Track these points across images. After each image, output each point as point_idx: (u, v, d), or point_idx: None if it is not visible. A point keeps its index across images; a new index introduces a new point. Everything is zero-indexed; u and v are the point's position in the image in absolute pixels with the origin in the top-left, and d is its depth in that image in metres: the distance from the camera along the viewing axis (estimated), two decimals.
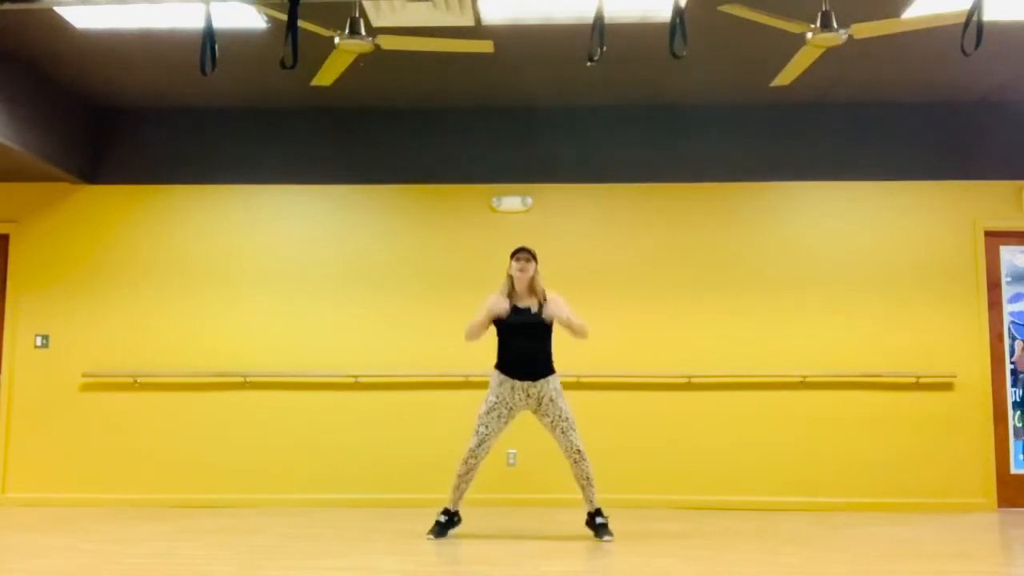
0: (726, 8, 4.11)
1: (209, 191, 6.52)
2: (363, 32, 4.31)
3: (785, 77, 4.74)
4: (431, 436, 6.11)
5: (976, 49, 3.30)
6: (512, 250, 4.85)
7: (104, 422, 6.30)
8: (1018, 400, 6.24)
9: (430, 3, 4.56)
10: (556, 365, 4.80)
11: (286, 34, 3.16)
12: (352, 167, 6.51)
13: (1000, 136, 6.33)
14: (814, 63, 4.55)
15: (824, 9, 4.18)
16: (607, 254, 6.33)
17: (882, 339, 6.20)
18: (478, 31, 4.95)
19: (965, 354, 6.18)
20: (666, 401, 6.23)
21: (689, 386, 6.23)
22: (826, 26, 4.16)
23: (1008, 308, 6.31)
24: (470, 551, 4.47)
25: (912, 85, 6.06)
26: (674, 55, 3.22)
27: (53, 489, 6.23)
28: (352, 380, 6.27)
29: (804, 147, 6.42)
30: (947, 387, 6.16)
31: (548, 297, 4.79)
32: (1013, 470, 6.17)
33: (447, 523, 4.78)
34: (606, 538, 4.66)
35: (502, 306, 4.73)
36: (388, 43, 4.36)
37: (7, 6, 3.32)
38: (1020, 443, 6.20)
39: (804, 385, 6.20)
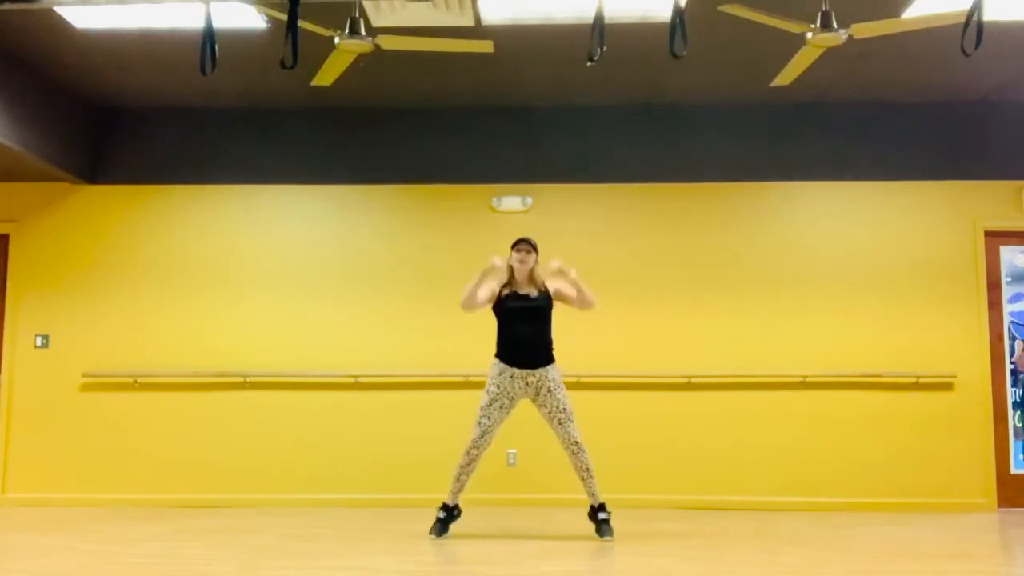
0: (726, 8, 4.11)
1: (209, 191, 6.52)
2: (363, 32, 4.31)
3: (785, 77, 4.74)
4: (431, 436, 6.11)
5: (976, 49, 3.30)
6: (512, 242, 4.86)
7: (104, 422, 6.30)
8: (1018, 400, 6.24)
9: (430, 3, 4.56)
10: (557, 365, 4.80)
11: (286, 34, 3.16)
12: (352, 167, 6.51)
13: (1000, 136, 6.33)
14: (814, 63, 4.55)
15: (824, 9, 4.18)
16: (607, 254, 6.33)
17: (882, 339, 6.20)
18: (478, 31, 4.95)
19: (965, 354, 6.18)
20: (666, 401, 6.23)
21: (689, 386, 6.23)
22: (826, 26, 4.16)
23: (1008, 308, 6.31)
24: (470, 551, 4.47)
25: (912, 85, 6.06)
26: (674, 55, 3.22)
27: (53, 489, 6.23)
28: (352, 380, 6.27)
29: (804, 147, 6.43)
30: (947, 387, 6.16)
31: (555, 263, 4.78)
32: (1013, 470, 6.17)
33: (447, 519, 4.78)
34: (607, 537, 4.66)
35: (494, 261, 4.74)
36: (388, 43, 4.36)
37: (7, 6, 3.32)
38: (1020, 443, 6.20)
39: (804, 385, 6.20)
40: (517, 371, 4.72)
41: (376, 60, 4.70)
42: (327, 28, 4.22)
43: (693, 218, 6.40)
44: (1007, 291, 6.32)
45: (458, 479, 4.78)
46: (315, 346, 6.33)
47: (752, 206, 6.40)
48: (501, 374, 4.74)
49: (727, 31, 4.83)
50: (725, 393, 6.23)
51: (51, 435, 6.30)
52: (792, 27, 4.18)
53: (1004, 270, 6.34)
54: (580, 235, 6.38)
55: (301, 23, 3.36)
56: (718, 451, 6.17)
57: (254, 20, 4.87)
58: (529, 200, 6.42)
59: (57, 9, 4.77)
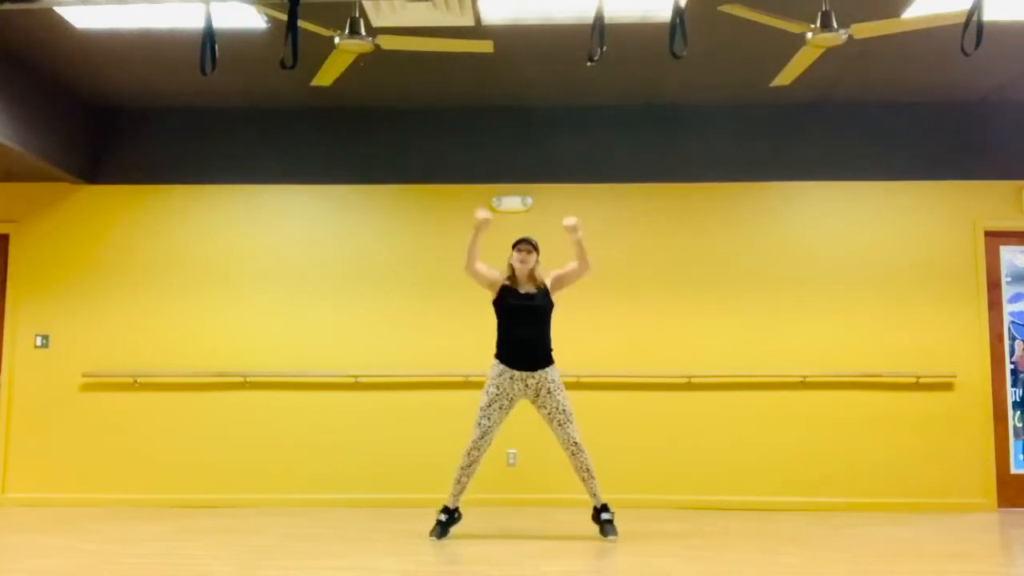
0: (726, 8, 4.11)
1: (209, 191, 6.52)
2: (363, 32, 4.31)
3: (785, 77, 4.74)
4: (431, 436, 6.11)
5: (976, 49, 3.30)
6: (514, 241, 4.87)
7: (104, 422, 6.30)
8: (1018, 400, 6.24)
9: (430, 3, 4.56)
10: (557, 365, 4.80)
11: (286, 34, 3.16)
12: (352, 167, 6.51)
13: (1000, 136, 6.33)
14: (814, 63, 4.55)
15: (824, 9, 4.18)
16: (607, 254, 6.32)
17: (882, 339, 6.20)
18: (478, 31, 4.95)
19: (965, 354, 6.18)
20: (666, 401, 6.23)
21: (689, 386, 6.23)
22: (826, 26, 4.16)
23: (1008, 308, 6.31)
24: (470, 551, 4.47)
25: (912, 85, 6.06)
26: (674, 55, 3.22)
27: (53, 489, 6.23)
28: (352, 380, 6.27)
29: (804, 147, 6.42)
30: (947, 387, 6.16)
31: (569, 219, 4.80)
32: (1013, 470, 6.17)
33: (448, 521, 4.77)
34: (610, 537, 4.66)
35: (481, 215, 4.76)
36: (388, 43, 4.36)
37: (7, 6, 3.32)
38: (1020, 443, 6.20)
39: (804, 385, 6.20)
40: (517, 373, 4.72)
41: (376, 60, 4.70)
42: (327, 28, 4.22)
43: (693, 218, 6.40)
44: (1007, 291, 6.32)
45: (459, 481, 4.77)
46: (315, 346, 6.33)
47: (752, 206, 6.40)
48: (500, 375, 4.74)
49: (727, 31, 4.83)
50: (725, 393, 6.23)
51: (51, 435, 6.30)
52: (792, 27, 4.18)
53: (1004, 270, 6.34)
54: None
55: (301, 23, 3.36)
56: (718, 451, 6.17)
57: (254, 20, 4.87)
58: (529, 200, 6.42)
59: (57, 9, 4.77)
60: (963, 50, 3.31)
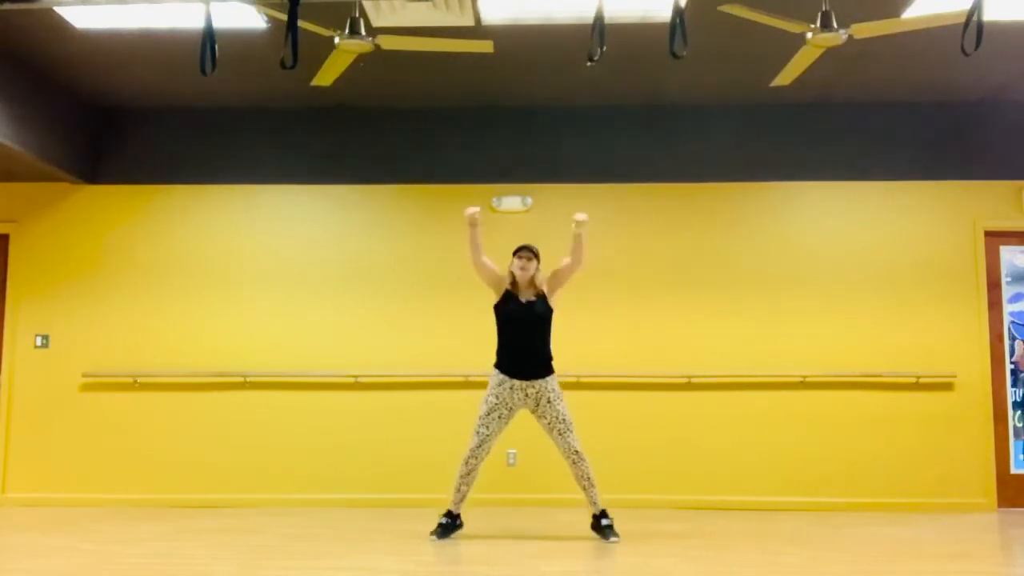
0: (726, 8, 4.11)
1: (209, 191, 6.52)
2: (363, 32, 4.31)
3: (785, 77, 4.74)
4: (431, 436, 6.11)
5: (976, 49, 3.30)
6: (515, 248, 4.85)
7: (104, 422, 6.30)
8: (1018, 400, 6.24)
9: (430, 3, 4.56)
10: (557, 365, 4.80)
11: (286, 34, 3.16)
12: (352, 167, 6.51)
13: (1000, 136, 6.33)
14: (814, 63, 4.55)
15: (824, 9, 4.18)
16: (607, 254, 6.32)
17: (882, 339, 6.20)
18: (478, 31, 4.95)
19: (965, 354, 6.18)
20: (666, 401, 6.23)
21: (689, 386, 6.23)
22: (826, 26, 4.16)
23: (1008, 308, 6.31)
24: (470, 551, 4.47)
25: (912, 85, 6.06)
26: (674, 55, 3.22)
27: (53, 489, 6.23)
28: (352, 380, 6.27)
29: (804, 147, 6.42)
30: (947, 387, 6.16)
31: (580, 215, 4.82)
32: (1013, 470, 6.17)
33: (449, 525, 4.76)
34: (612, 539, 4.66)
35: (468, 211, 4.82)
36: (388, 43, 4.36)
37: (7, 6, 3.32)
38: (1020, 443, 6.20)
39: (804, 385, 6.20)
40: (517, 382, 4.71)
41: (376, 60, 4.70)
42: (327, 28, 4.22)
43: (693, 218, 6.40)
44: (1007, 291, 6.32)
45: (459, 489, 4.76)
46: (315, 346, 6.33)
47: (752, 206, 6.40)
48: (500, 384, 4.73)
49: (727, 31, 4.83)
50: (725, 393, 6.23)
51: (51, 435, 6.30)
52: (792, 27, 4.18)
53: (1004, 270, 6.34)
54: None
55: (301, 23, 3.36)
56: (718, 451, 6.17)
57: (254, 20, 4.87)
58: (529, 200, 6.42)
59: (57, 9, 4.77)
60: (963, 50, 3.31)
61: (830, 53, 4.49)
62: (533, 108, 6.46)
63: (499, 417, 4.71)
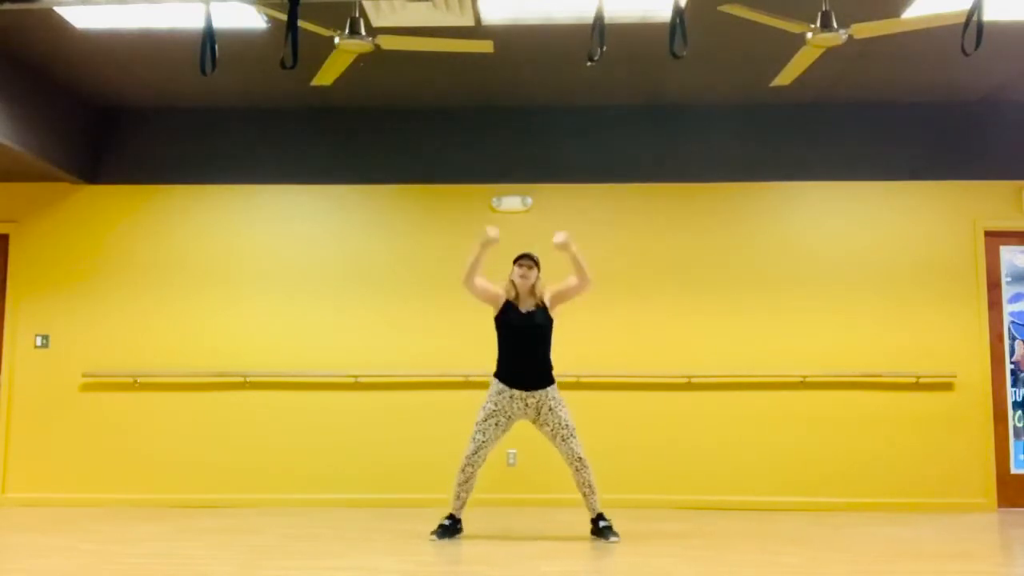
0: (726, 8, 4.11)
1: (209, 191, 6.52)
2: (363, 32, 4.31)
3: (785, 77, 4.74)
4: (431, 436, 6.11)
5: (976, 49, 3.30)
6: (515, 255, 4.84)
7: (104, 422, 6.30)
8: (1018, 400, 6.24)
9: (430, 3, 4.56)
10: (556, 365, 4.80)
11: (286, 34, 3.16)
12: (352, 167, 6.51)
13: (1000, 136, 6.33)
14: (814, 63, 4.55)
15: (824, 9, 4.18)
16: (607, 254, 6.32)
17: (882, 339, 6.20)
18: (478, 31, 4.95)
19: (965, 354, 6.18)
20: (666, 401, 6.23)
21: (689, 386, 6.23)
22: (826, 26, 4.16)
23: (1008, 308, 6.31)
24: (470, 551, 4.47)
25: (912, 85, 6.06)
26: (674, 55, 3.22)
27: (53, 489, 6.23)
28: (352, 380, 6.27)
29: (804, 147, 6.42)
30: (947, 387, 6.16)
31: (559, 236, 4.74)
32: (1013, 470, 6.17)
33: (450, 527, 4.75)
34: (612, 539, 4.66)
35: (490, 232, 4.70)
36: (388, 43, 4.36)
37: (7, 6, 3.32)
38: (1020, 443, 6.20)
39: (804, 385, 6.20)
40: (517, 392, 4.69)
41: (376, 60, 4.70)
42: (327, 28, 4.22)
43: (693, 218, 6.40)
44: (1007, 291, 6.32)
45: (458, 496, 4.76)
46: (315, 346, 6.32)
47: (752, 206, 6.40)
48: (500, 393, 4.72)
49: (727, 31, 4.83)
50: (725, 393, 6.23)
51: (51, 435, 6.30)
52: (792, 27, 4.18)
53: (1004, 270, 6.34)
54: (580, 235, 6.26)
55: (301, 23, 3.36)
56: (718, 451, 6.17)
57: (254, 20, 4.87)
58: (529, 200, 6.42)
59: (57, 9, 4.77)
60: (963, 50, 3.31)
61: (830, 53, 4.49)
62: (533, 108, 6.46)
63: (496, 424, 4.70)
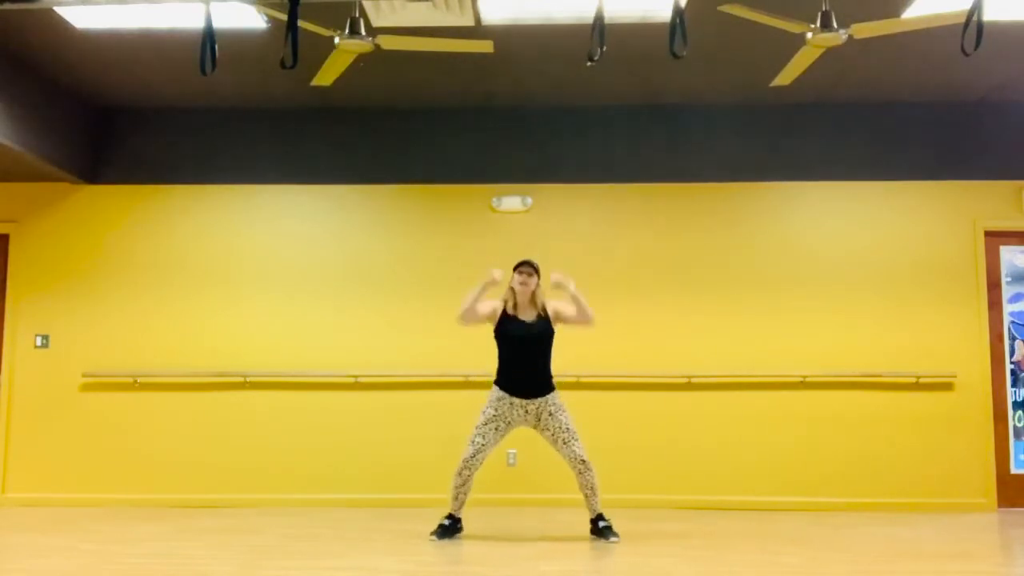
0: (726, 8, 4.11)
1: (209, 191, 6.52)
2: (363, 32, 4.31)
3: (785, 77, 4.74)
4: (431, 436, 6.11)
5: (976, 49, 3.30)
6: (515, 256, 4.84)
7: (104, 422, 6.30)
8: (1018, 400, 6.23)
9: (430, 3, 4.56)
10: (556, 364, 4.79)
11: (286, 34, 3.16)
12: (352, 167, 6.51)
13: (1000, 136, 6.33)
14: (814, 63, 4.55)
15: (824, 9, 4.18)
16: (607, 254, 6.33)
17: (882, 339, 6.20)
18: (478, 31, 4.95)
19: (965, 354, 6.18)
20: (666, 401, 6.23)
21: (689, 386, 6.23)
22: (826, 26, 4.16)
23: (1008, 308, 6.31)
24: (470, 551, 4.47)
25: (912, 85, 6.06)
26: (674, 55, 3.22)
27: (53, 489, 6.23)
28: (352, 380, 6.27)
29: (804, 147, 6.42)
30: (947, 387, 6.16)
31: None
32: (1013, 470, 6.17)
33: (450, 527, 4.76)
34: (612, 539, 4.66)
35: (494, 275, 4.70)
36: (388, 43, 4.36)
37: (7, 6, 3.32)
38: (1020, 443, 6.20)
39: (804, 385, 6.20)
40: (517, 400, 4.69)
41: (376, 60, 4.70)
42: (327, 28, 4.22)
43: (693, 218, 6.40)
44: (1007, 291, 6.32)
45: (456, 498, 4.76)
46: (315, 346, 6.32)
47: (752, 206, 6.40)
48: (500, 400, 4.71)
49: (727, 31, 4.83)
50: (725, 393, 6.23)
51: (51, 435, 6.30)
52: (792, 27, 4.18)
53: (1004, 270, 6.33)
54: (580, 235, 6.38)
55: (301, 23, 3.36)
56: (718, 451, 6.17)
57: (254, 20, 4.87)
58: (529, 200, 6.42)
59: (57, 9, 4.77)
60: (963, 50, 3.30)
61: (830, 53, 4.49)
62: (533, 108, 6.46)
63: (496, 429, 4.69)
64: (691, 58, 3.55)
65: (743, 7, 4.05)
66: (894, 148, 6.38)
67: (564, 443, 4.66)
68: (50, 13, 4.84)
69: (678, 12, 3.19)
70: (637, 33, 4.82)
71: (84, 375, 6.31)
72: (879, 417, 6.14)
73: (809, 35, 4.20)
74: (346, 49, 4.36)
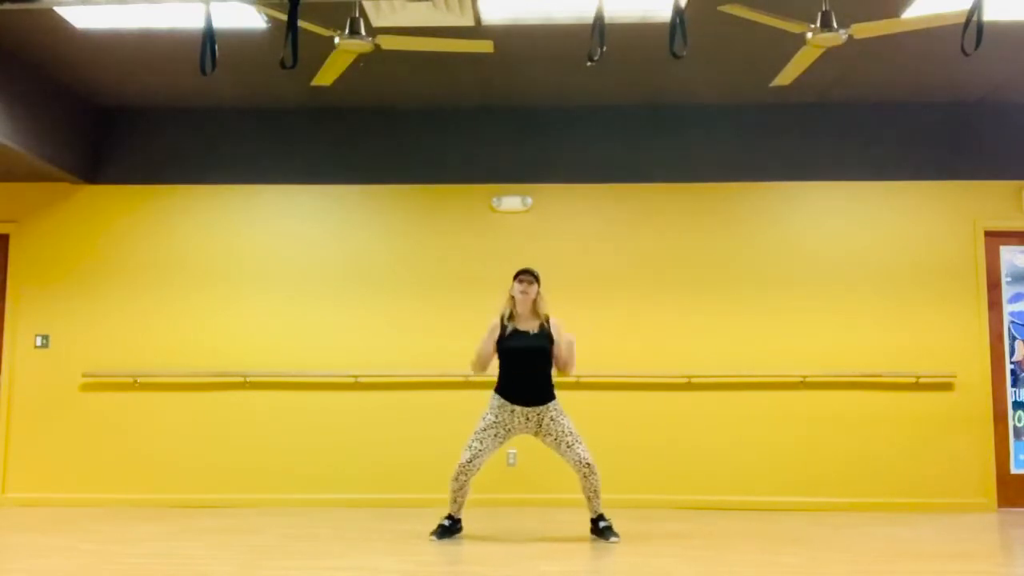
0: (726, 8, 4.11)
1: (209, 191, 6.52)
2: (363, 32, 4.31)
3: (785, 77, 4.74)
4: (431, 436, 6.11)
5: (976, 49, 3.30)
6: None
7: (104, 422, 6.30)
8: (1018, 400, 6.23)
9: (430, 3, 4.56)
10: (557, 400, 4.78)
11: (286, 34, 3.16)
12: (352, 167, 6.51)
13: (1000, 136, 6.33)
14: (814, 63, 4.55)
15: (824, 9, 4.18)
16: (607, 254, 6.33)
17: (882, 339, 6.20)
18: (478, 31, 4.95)
19: (965, 354, 6.18)
20: (666, 401, 6.23)
21: (689, 386, 6.23)
22: (826, 26, 4.17)
23: (1008, 308, 6.31)
24: (470, 551, 4.47)
25: (912, 85, 6.06)
26: (674, 55, 3.22)
27: (53, 489, 6.23)
28: (352, 380, 6.27)
29: (804, 147, 6.42)
30: (947, 387, 6.16)
31: (552, 321, 4.77)
32: (1013, 470, 6.17)
33: (450, 527, 4.75)
34: (613, 539, 4.65)
35: (495, 322, 4.74)
36: (388, 43, 4.36)
37: (7, 6, 3.32)
38: (1020, 443, 6.20)
39: (804, 385, 6.20)
40: (518, 408, 4.68)
41: (376, 60, 4.70)
42: (327, 28, 4.22)
43: (693, 218, 6.40)
44: (1007, 291, 6.32)
45: (455, 500, 4.75)
46: (315, 346, 6.32)
47: (752, 206, 6.40)
48: (501, 407, 4.69)
49: (727, 31, 4.83)
50: (725, 393, 6.23)
51: (51, 435, 6.29)
52: (792, 27, 4.18)
53: (1004, 270, 6.33)
54: (580, 235, 6.38)
55: (301, 23, 3.37)
56: (718, 451, 6.17)
57: (254, 20, 4.87)
58: (529, 200, 6.42)
59: (57, 9, 4.77)
60: (963, 50, 3.30)
61: (830, 53, 4.49)
62: (533, 108, 6.46)
63: (495, 435, 4.67)
64: (691, 58, 3.55)
65: (743, 7, 4.06)
66: (894, 148, 6.38)
67: (568, 447, 4.65)
68: (50, 13, 4.84)
69: (678, 12, 3.19)
70: (637, 33, 4.82)
71: (84, 375, 6.31)
72: (879, 417, 6.14)
73: (809, 35, 4.20)
74: (346, 49, 4.36)
